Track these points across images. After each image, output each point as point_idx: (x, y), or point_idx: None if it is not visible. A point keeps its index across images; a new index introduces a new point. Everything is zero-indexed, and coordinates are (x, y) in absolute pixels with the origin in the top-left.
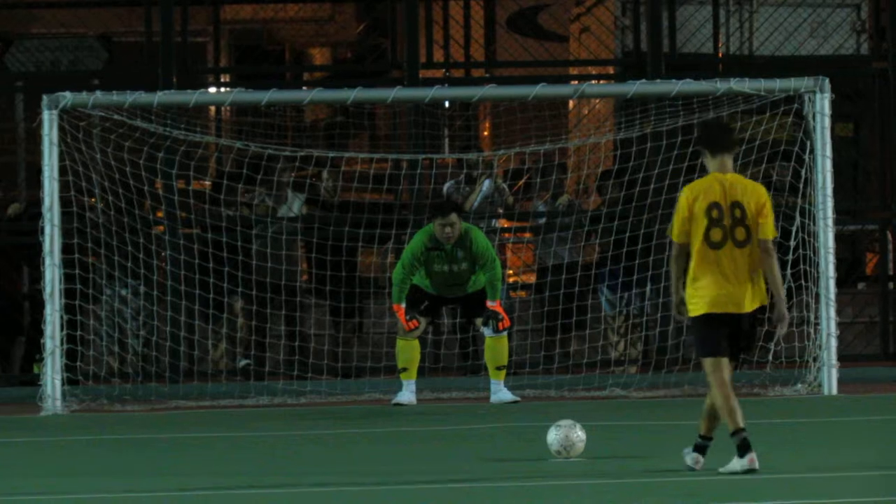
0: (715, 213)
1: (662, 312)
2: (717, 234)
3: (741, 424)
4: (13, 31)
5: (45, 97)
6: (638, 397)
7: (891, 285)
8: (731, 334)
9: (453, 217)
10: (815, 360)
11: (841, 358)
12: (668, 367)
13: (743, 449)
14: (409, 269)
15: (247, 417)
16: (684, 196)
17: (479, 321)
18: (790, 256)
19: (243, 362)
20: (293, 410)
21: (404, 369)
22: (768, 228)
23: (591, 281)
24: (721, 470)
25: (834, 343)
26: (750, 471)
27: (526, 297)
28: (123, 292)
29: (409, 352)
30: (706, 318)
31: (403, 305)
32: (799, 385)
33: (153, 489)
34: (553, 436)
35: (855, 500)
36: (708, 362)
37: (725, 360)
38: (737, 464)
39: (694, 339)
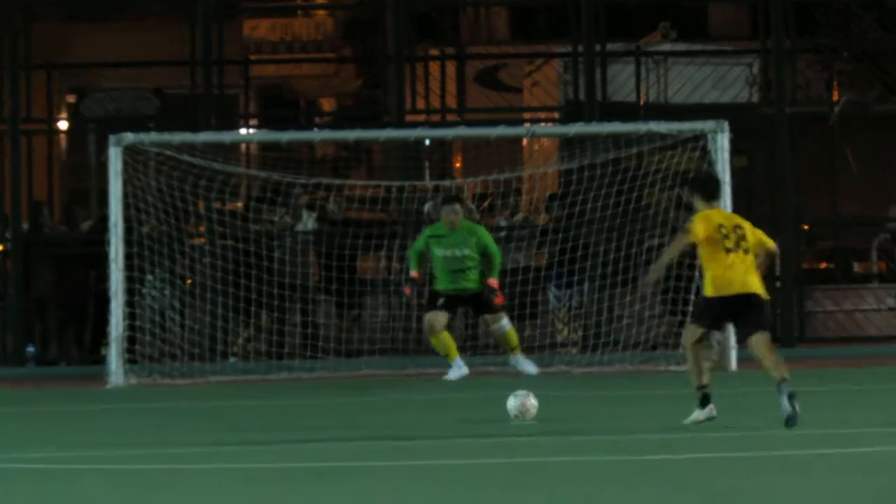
0: (724, 230)
1: (597, 305)
2: (729, 243)
3: (705, 381)
4: (86, 86)
5: (111, 137)
6: (578, 373)
7: (778, 284)
8: (730, 314)
9: (456, 206)
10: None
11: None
12: (602, 349)
13: (705, 401)
14: (419, 248)
15: (269, 389)
16: (703, 217)
17: (488, 318)
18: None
19: (232, 359)
20: (306, 384)
21: (447, 355)
22: (768, 241)
23: (542, 281)
24: (685, 421)
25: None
26: (710, 419)
27: None
28: (167, 291)
29: (442, 343)
30: (710, 300)
31: (414, 271)
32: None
33: (192, 444)
34: (511, 403)
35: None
36: (691, 327)
37: (703, 331)
38: (700, 414)
39: (699, 311)
